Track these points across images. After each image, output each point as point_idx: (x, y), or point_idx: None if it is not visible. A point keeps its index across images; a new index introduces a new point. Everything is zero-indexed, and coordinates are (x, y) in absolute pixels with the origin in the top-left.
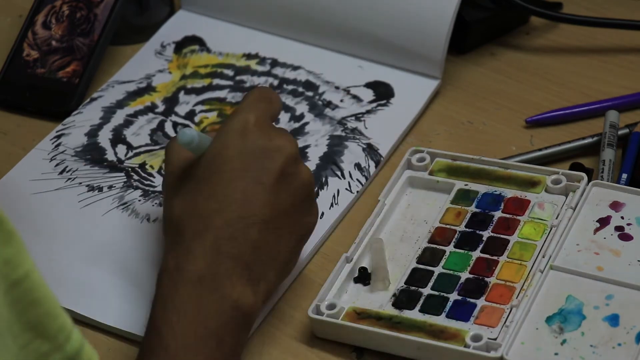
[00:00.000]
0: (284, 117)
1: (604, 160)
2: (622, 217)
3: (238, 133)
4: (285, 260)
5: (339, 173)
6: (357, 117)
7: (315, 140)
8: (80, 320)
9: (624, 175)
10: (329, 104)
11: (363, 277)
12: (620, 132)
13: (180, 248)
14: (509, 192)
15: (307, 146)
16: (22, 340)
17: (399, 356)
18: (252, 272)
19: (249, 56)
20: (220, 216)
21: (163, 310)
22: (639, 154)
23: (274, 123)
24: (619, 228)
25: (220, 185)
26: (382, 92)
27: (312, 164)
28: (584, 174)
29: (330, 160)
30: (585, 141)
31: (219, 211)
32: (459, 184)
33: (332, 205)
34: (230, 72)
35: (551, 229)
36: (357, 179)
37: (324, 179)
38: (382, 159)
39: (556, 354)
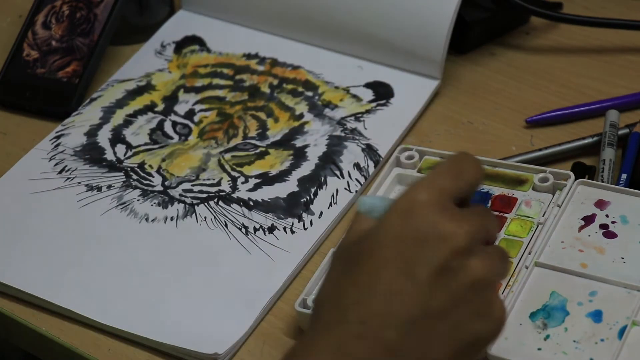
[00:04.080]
0: (283, 117)
1: (604, 160)
2: (607, 215)
3: (401, 214)
4: None
5: (338, 173)
6: (357, 117)
7: (315, 140)
8: (80, 321)
9: (624, 176)
10: (328, 104)
11: None
12: (620, 132)
13: (306, 338)
14: (497, 190)
15: (307, 146)
16: None
17: None
18: None
19: (249, 56)
20: (357, 310)
21: None
22: (639, 154)
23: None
24: (603, 226)
25: (365, 272)
26: (382, 92)
27: (311, 163)
28: (571, 173)
29: (330, 160)
30: (585, 141)
31: (357, 304)
32: None
33: (331, 204)
34: (230, 72)
35: (537, 226)
36: (357, 179)
37: (323, 179)
38: (381, 159)
39: (539, 349)
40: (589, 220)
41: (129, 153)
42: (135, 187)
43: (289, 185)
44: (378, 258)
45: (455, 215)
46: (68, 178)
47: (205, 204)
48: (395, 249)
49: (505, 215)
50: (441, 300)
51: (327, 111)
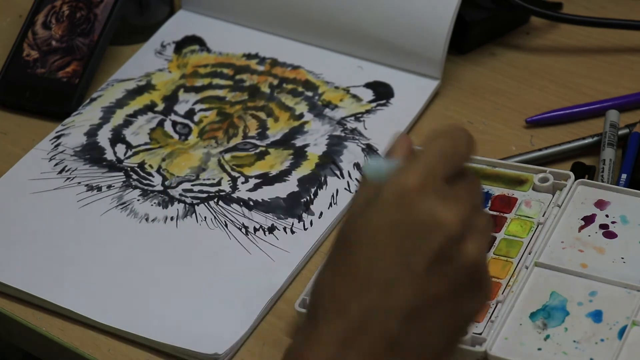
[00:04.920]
0: (283, 117)
1: (604, 160)
2: (607, 215)
3: (394, 200)
4: (432, 358)
5: (338, 172)
6: (357, 117)
7: (315, 140)
8: (80, 321)
9: (624, 176)
10: (328, 104)
11: None
12: (620, 132)
13: (307, 330)
14: (497, 190)
15: (307, 145)
16: None
17: None
18: None
19: (249, 56)
20: (357, 302)
21: None
22: (639, 154)
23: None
24: (603, 226)
25: (362, 263)
26: (382, 92)
27: (311, 162)
28: (570, 173)
29: (330, 159)
30: (585, 141)
31: (357, 297)
32: None
33: (331, 205)
34: (230, 72)
35: (537, 227)
36: (357, 179)
37: (323, 179)
38: None
39: (539, 349)
40: (589, 220)
41: (129, 153)
42: (135, 187)
43: (289, 186)
44: (375, 247)
45: (448, 199)
46: (68, 178)
47: (205, 203)
48: (392, 238)
49: (505, 215)
50: (439, 287)
51: (327, 111)
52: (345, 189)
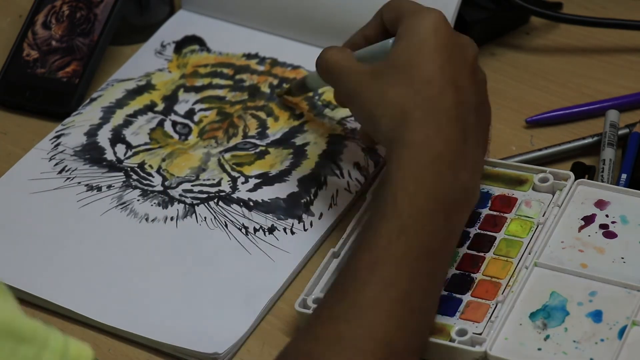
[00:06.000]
0: (283, 116)
1: (604, 160)
2: (607, 215)
3: (428, 31)
4: (485, 148)
5: (338, 172)
6: None
7: (315, 138)
8: (80, 321)
9: (624, 176)
10: (328, 104)
11: None
12: (620, 132)
13: (422, 126)
14: (497, 190)
15: (307, 144)
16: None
17: None
18: (468, 160)
19: (248, 56)
20: (441, 101)
21: (402, 180)
22: (639, 154)
23: None
24: (603, 226)
25: (429, 72)
26: None
27: (311, 162)
28: (570, 173)
29: (330, 158)
30: (585, 141)
31: (440, 97)
32: None
33: (331, 205)
34: (230, 72)
35: (537, 227)
36: (357, 179)
37: (323, 179)
38: (381, 159)
39: (539, 349)
40: (589, 220)
41: (129, 153)
42: (135, 187)
43: (289, 186)
44: (437, 60)
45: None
46: (68, 178)
47: (205, 204)
48: (446, 55)
49: (505, 215)
50: (479, 90)
51: (327, 111)
52: (345, 189)
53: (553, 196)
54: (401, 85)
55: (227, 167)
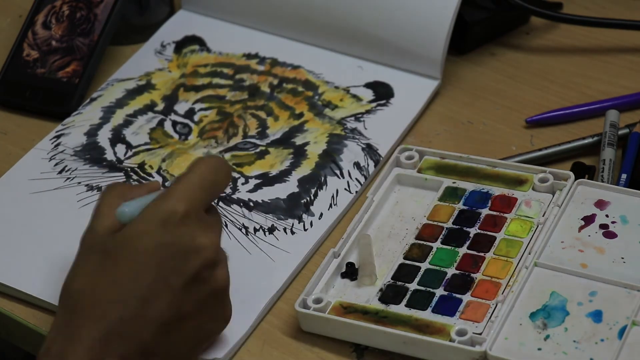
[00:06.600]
0: (283, 116)
1: (604, 160)
2: (607, 215)
3: (160, 223)
4: None
5: (338, 172)
6: (357, 117)
7: (315, 138)
8: None
9: (624, 176)
10: (328, 103)
11: (350, 272)
12: (620, 132)
13: (68, 331)
14: (497, 190)
15: (307, 143)
16: None
17: (397, 355)
18: None
19: (249, 56)
20: (117, 309)
21: None
22: (639, 154)
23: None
24: (603, 226)
25: (127, 274)
26: (382, 92)
27: (311, 161)
28: (570, 173)
29: (330, 158)
30: (585, 141)
31: (118, 303)
32: (447, 182)
33: (331, 206)
34: (229, 71)
35: (537, 227)
36: (357, 178)
37: (323, 178)
38: (381, 158)
39: (539, 349)
40: (589, 220)
41: (129, 153)
42: None
43: (289, 186)
44: (138, 263)
45: (207, 227)
46: (68, 178)
47: None
48: (156, 256)
49: (505, 215)
50: (190, 306)
51: (327, 111)
52: (345, 189)
53: (553, 196)
54: (91, 271)
55: None
